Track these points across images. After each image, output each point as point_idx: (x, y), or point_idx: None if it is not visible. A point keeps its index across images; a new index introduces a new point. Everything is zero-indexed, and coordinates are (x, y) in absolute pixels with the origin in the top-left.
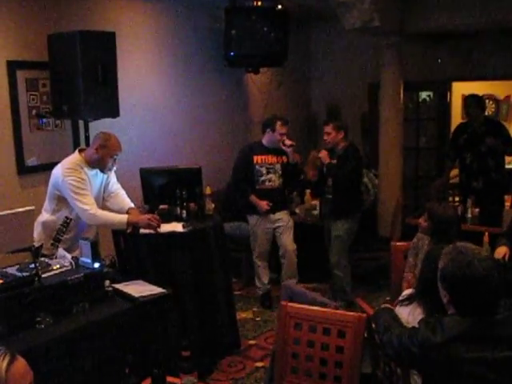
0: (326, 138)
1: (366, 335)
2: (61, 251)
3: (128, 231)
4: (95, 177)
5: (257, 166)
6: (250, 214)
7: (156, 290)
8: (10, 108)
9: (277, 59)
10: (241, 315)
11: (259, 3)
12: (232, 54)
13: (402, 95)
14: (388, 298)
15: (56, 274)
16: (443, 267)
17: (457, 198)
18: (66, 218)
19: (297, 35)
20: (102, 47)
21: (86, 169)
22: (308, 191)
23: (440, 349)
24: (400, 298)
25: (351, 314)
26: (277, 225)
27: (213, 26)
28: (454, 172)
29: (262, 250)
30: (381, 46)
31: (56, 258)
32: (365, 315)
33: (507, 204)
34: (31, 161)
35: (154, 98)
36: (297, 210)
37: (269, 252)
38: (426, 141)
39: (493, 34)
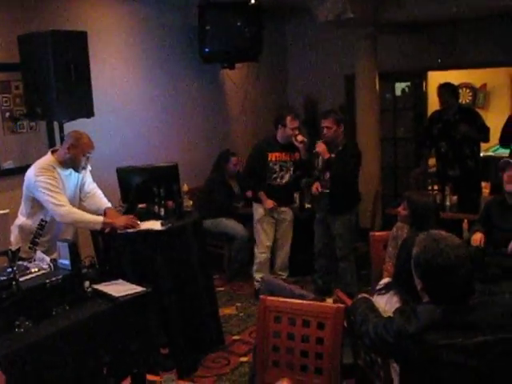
0: (325, 132)
1: (346, 325)
2: (39, 254)
3: (106, 231)
4: (69, 177)
5: (271, 164)
6: (258, 204)
7: (136, 288)
8: None
9: (252, 54)
10: (224, 311)
11: None
12: (207, 50)
13: (377, 86)
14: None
15: (34, 277)
16: (416, 255)
17: (436, 187)
18: (42, 220)
19: (272, 30)
20: (74, 47)
21: (58, 169)
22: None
23: (415, 338)
24: (377, 287)
25: (330, 305)
26: (282, 217)
27: (186, 22)
28: (433, 161)
29: (269, 244)
30: (355, 38)
31: (34, 260)
32: (343, 306)
33: (485, 191)
34: (7, 164)
35: (129, 96)
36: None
37: None
38: (403, 131)
39: (470, 22)
